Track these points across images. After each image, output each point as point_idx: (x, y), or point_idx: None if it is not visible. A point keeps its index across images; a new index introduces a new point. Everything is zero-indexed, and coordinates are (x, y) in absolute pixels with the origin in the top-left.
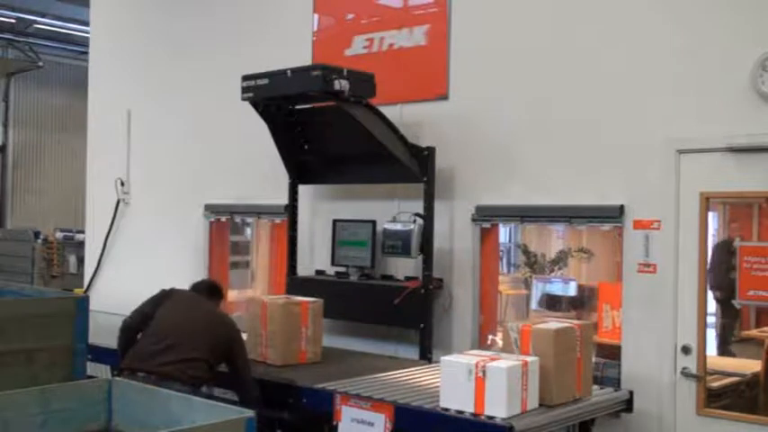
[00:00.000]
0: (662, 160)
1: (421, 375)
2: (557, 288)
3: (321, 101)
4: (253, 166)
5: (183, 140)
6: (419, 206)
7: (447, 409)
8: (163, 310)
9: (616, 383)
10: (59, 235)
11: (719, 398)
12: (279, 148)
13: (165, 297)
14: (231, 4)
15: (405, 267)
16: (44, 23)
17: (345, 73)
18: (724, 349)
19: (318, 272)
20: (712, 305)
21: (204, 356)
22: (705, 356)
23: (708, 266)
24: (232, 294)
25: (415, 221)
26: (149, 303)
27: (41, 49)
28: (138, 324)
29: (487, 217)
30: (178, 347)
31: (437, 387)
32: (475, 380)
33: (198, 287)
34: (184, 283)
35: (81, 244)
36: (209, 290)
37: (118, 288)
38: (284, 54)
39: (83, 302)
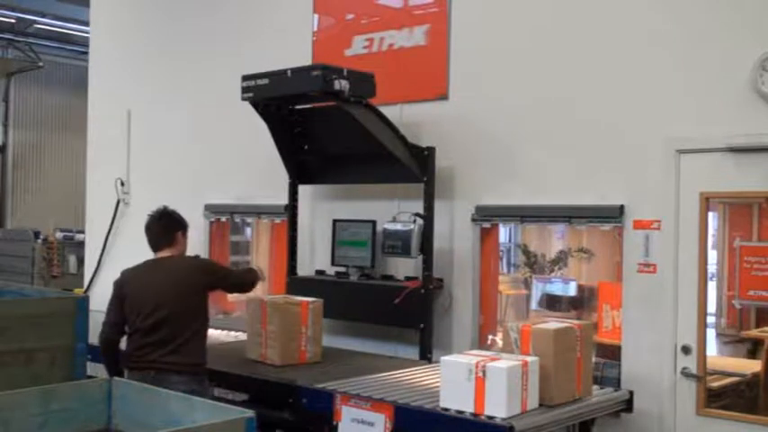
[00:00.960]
0: (662, 160)
1: (421, 375)
2: (557, 288)
3: (321, 101)
4: (253, 166)
5: (183, 140)
6: (419, 206)
7: (447, 409)
8: (131, 304)
9: (616, 383)
10: (59, 235)
11: (719, 398)
12: (279, 149)
13: (122, 291)
14: (231, 4)
15: (405, 267)
16: (44, 23)
17: (345, 73)
18: None
19: (318, 272)
20: (712, 305)
21: (193, 328)
22: (705, 356)
23: None
24: (232, 294)
25: (415, 221)
26: (113, 307)
27: (41, 49)
28: (116, 335)
29: (487, 217)
30: (167, 337)
31: (437, 387)
32: (475, 380)
33: (151, 231)
34: None
35: (81, 244)
36: (166, 230)
37: None
38: (284, 54)
39: (83, 302)
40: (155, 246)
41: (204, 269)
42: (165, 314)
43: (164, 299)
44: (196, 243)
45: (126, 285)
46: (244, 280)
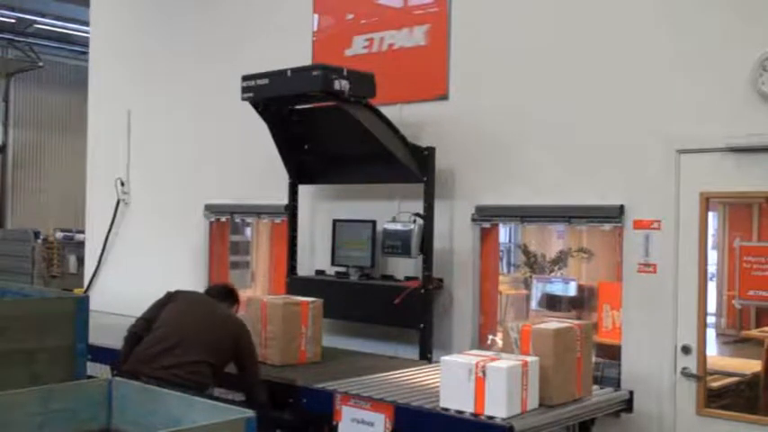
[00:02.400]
0: (662, 160)
1: (421, 375)
2: (557, 288)
3: (321, 101)
4: (253, 166)
5: (183, 140)
6: (419, 206)
7: (447, 409)
8: (166, 311)
9: (616, 383)
10: (59, 235)
11: (719, 398)
12: (279, 148)
13: (169, 299)
14: (231, 3)
15: (405, 267)
16: (44, 23)
17: (345, 73)
18: None
19: (318, 272)
20: (712, 305)
21: (207, 359)
22: (705, 356)
23: None
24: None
25: (415, 221)
26: (153, 308)
27: (41, 49)
28: (143, 331)
29: (487, 217)
30: (180, 349)
31: (437, 387)
32: (475, 380)
33: (209, 290)
34: (184, 284)
35: (81, 244)
36: (221, 293)
37: (118, 288)
38: (284, 54)
39: (83, 302)
40: (219, 295)
41: (240, 329)
42: (182, 336)
43: (190, 324)
44: (196, 243)
45: (176, 297)
46: (256, 375)
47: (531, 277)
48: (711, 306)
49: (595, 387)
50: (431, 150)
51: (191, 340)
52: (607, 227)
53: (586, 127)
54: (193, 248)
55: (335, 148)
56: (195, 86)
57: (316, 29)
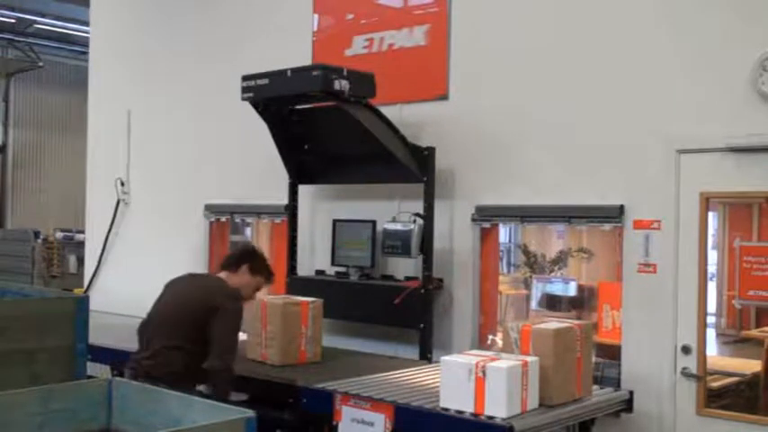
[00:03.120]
0: (662, 160)
1: (421, 375)
2: (557, 288)
3: (321, 101)
4: (253, 166)
5: (183, 140)
6: (419, 206)
7: (447, 409)
8: (156, 304)
9: (616, 383)
10: (59, 235)
11: (719, 398)
12: (279, 148)
13: (163, 291)
14: (231, 3)
15: (405, 267)
16: (44, 23)
17: (345, 73)
18: None
19: (318, 272)
20: (712, 305)
21: (173, 342)
22: (705, 356)
23: None
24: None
25: (415, 221)
26: (154, 303)
27: (41, 49)
28: (142, 332)
29: (487, 217)
30: (155, 338)
31: (437, 387)
32: (475, 380)
33: (223, 261)
34: None
35: (81, 244)
36: (228, 259)
37: (118, 288)
38: (284, 54)
39: (83, 302)
40: (220, 265)
41: (219, 295)
42: (158, 323)
43: (168, 308)
44: (196, 243)
45: (166, 288)
46: (222, 354)
47: (531, 277)
48: (711, 306)
49: (595, 387)
50: (431, 150)
51: (160, 327)
52: (607, 227)
53: (586, 127)
54: (193, 248)
55: (335, 148)
56: (195, 86)
57: (316, 29)
